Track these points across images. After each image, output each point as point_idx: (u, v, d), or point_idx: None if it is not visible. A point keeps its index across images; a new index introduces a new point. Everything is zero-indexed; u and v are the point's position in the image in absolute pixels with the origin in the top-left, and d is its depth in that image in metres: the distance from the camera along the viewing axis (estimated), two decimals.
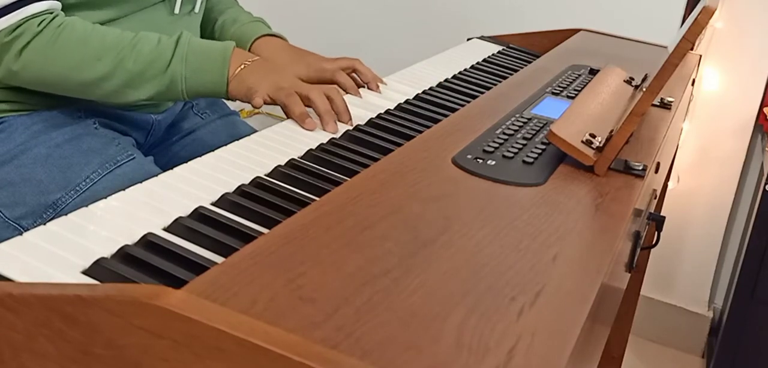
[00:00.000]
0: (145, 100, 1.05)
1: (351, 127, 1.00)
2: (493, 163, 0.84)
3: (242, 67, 1.05)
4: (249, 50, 1.24)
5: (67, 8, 1.03)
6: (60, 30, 0.99)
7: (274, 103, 1.04)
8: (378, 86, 1.19)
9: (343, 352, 0.47)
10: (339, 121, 1.01)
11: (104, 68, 1.00)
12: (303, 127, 0.98)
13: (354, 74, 1.19)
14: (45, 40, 0.99)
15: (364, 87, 1.18)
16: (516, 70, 1.42)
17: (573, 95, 1.20)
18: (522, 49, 1.65)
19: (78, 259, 0.61)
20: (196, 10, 1.20)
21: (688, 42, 0.87)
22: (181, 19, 1.16)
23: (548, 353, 0.51)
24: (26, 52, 0.99)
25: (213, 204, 0.75)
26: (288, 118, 1.01)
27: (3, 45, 0.99)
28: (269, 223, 0.71)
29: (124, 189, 0.75)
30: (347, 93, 1.14)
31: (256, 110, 2.35)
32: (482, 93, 1.22)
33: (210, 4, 1.33)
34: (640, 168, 0.89)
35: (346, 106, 1.03)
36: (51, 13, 1.00)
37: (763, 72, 2.02)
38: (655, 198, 1.10)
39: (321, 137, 0.96)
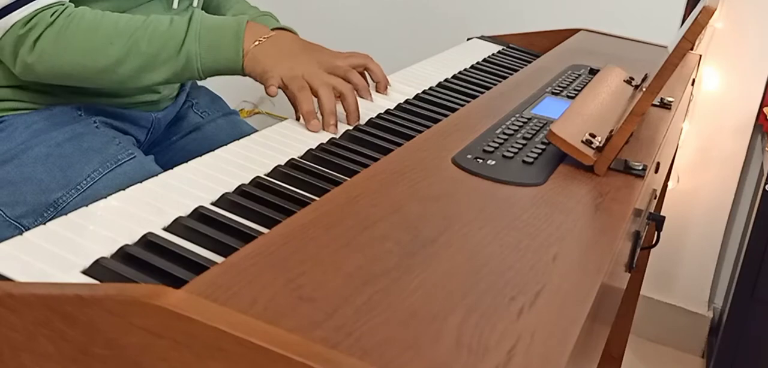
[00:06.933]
0: (163, 82, 1.04)
1: (351, 127, 1.00)
2: (493, 162, 0.84)
3: (257, 43, 1.03)
4: None
5: None
6: (70, 18, 0.99)
7: (286, 88, 1.03)
8: (387, 88, 1.17)
9: (343, 352, 0.47)
10: (346, 122, 1.01)
11: (117, 52, 1.00)
12: (307, 127, 0.98)
13: (365, 72, 1.17)
14: (57, 29, 0.99)
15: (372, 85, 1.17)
16: (516, 70, 1.42)
17: (573, 95, 1.20)
18: (522, 49, 1.64)
19: (78, 259, 0.61)
20: (195, 3, 1.19)
21: (688, 42, 0.87)
22: (179, 14, 1.16)
23: (548, 353, 0.51)
24: (40, 42, 0.99)
25: (213, 204, 0.75)
26: (294, 109, 1.01)
27: (18, 38, 0.99)
28: (269, 223, 0.71)
29: (124, 189, 0.75)
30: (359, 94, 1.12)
31: (256, 110, 2.35)
32: (482, 93, 1.22)
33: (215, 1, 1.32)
34: (640, 168, 0.89)
35: (357, 106, 1.02)
36: (62, 3, 1.00)
37: (763, 72, 2.02)
38: (655, 198, 1.10)
39: (321, 137, 0.96)
